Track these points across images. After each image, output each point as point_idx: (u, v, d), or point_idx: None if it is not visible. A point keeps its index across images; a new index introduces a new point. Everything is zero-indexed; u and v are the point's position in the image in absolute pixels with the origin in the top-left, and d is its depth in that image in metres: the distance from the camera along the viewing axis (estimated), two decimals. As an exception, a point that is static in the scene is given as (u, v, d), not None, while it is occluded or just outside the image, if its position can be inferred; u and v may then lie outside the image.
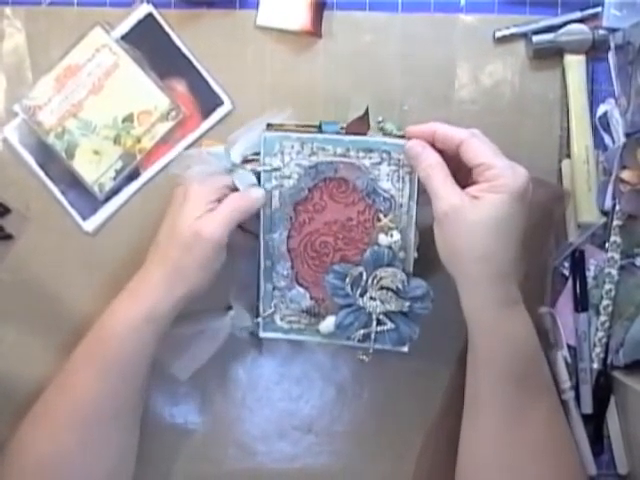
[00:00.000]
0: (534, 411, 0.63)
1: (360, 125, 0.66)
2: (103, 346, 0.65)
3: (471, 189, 0.60)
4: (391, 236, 0.65)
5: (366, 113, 0.66)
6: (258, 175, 0.66)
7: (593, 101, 0.75)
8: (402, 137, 0.65)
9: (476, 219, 0.59)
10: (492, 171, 0.59)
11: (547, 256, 0.75)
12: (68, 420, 0.64)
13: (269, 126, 0.66)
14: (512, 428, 0.63)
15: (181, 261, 0.63)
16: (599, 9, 0.74)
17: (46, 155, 0.73)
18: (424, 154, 0.62)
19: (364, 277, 0.65)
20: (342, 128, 0.66)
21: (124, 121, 0.73)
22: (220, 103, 0.74)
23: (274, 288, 0.69)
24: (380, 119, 0.68)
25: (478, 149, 0.61)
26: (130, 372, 0.65)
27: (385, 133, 0.67)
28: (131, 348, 0.64)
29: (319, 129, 0.67)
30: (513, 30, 0.74)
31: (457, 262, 0.62)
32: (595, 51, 0.74)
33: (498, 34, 0.74)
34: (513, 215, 0.59)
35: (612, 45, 0.74)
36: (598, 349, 0.75)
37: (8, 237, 0.74)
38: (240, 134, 0.66)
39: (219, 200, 0.64)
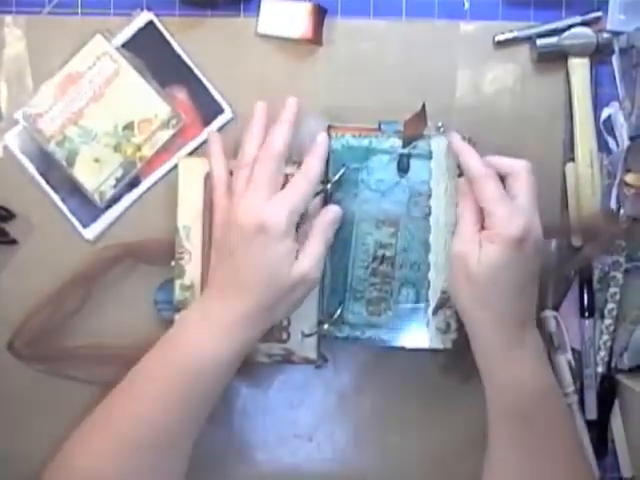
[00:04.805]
0: (549, 447, 0.63)
1: (417, 123, 0.66)
2: (182, 380, 0.61)
3: (482, 234, 0.62)
4: None
5: (423, 110, 0.66)
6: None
7: (597, 104, 0.74)
8: (469, 140, 0.66)
9: (475, 268, 0.61)
10: (490, 219, 0.61)
11: (549, 259, 0.74)
12: (123, 442, 0.61)
13: (330, 128, 0.67)
14: (527, 464, 0.63)
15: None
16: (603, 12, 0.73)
17: (47, 163, 0.73)
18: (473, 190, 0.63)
19: None
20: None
21: (125, 129, 0.73)
22: (220, 111, 0.73)
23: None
24: (440, 124, 0.68)
25: (484, 192, 0.62)
26: (201, 407, 0.63)
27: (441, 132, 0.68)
28: (213, 386, 0.62)
29: (379, 129, 0.68)
30: (516, 34, 0.73)
31: (459, 304, 0.63)
32: (599, 54, 0.73)
33: (499, 37, 0.73)
34: (510, 265, 0.60)
35: (616, 48, 0.74)
36: (603, 353, 0.75)
37: (13, 242, 0.74)
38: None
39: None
